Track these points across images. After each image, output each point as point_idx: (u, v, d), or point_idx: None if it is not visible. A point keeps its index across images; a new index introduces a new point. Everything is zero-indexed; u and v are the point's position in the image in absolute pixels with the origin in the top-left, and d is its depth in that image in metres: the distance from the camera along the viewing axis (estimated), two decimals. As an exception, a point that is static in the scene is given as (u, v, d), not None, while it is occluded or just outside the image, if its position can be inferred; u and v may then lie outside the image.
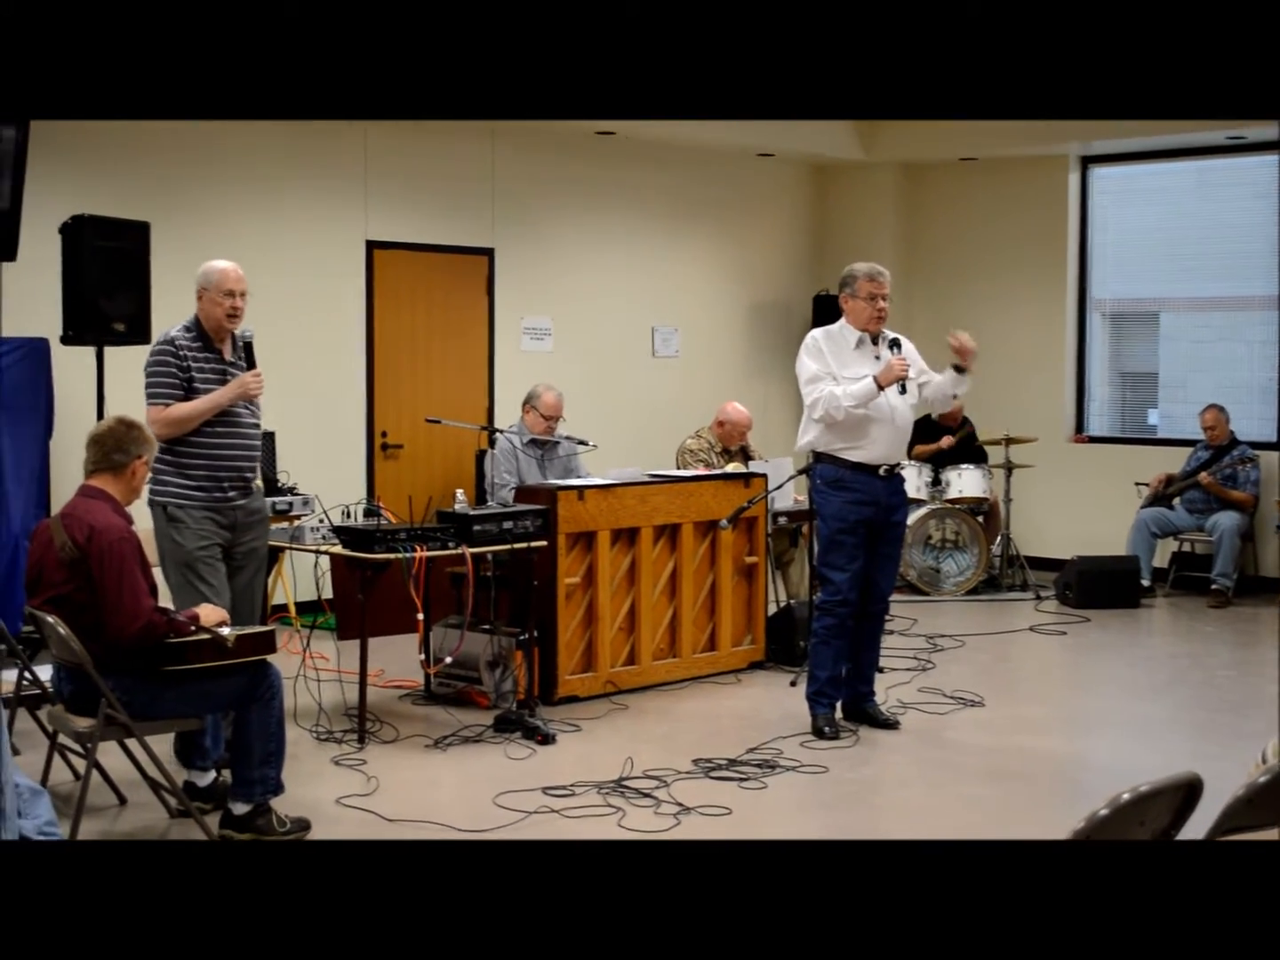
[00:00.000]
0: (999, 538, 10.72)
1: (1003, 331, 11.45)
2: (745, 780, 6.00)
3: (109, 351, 7.65)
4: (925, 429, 10.49)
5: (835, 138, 11.73)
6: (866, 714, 6.86)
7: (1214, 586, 10.17)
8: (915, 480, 10.32)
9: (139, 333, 7.50)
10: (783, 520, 8.69)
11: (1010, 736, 6.81)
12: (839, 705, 6.83)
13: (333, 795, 5.74)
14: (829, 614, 6.64)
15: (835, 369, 6.58)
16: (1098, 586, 10.00)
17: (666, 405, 11.22)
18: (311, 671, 6.85)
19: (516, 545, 6.81)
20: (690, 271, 11.72)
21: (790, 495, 8.60)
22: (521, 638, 7.04)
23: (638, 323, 11.39)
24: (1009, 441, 10.65)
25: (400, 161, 9.93)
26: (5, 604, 7.07)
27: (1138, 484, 10.75)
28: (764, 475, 8.23)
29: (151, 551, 5.49)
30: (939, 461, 10.75)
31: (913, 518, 9.98)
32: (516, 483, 7.89)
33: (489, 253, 10.46)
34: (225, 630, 5.08)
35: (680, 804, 5.64)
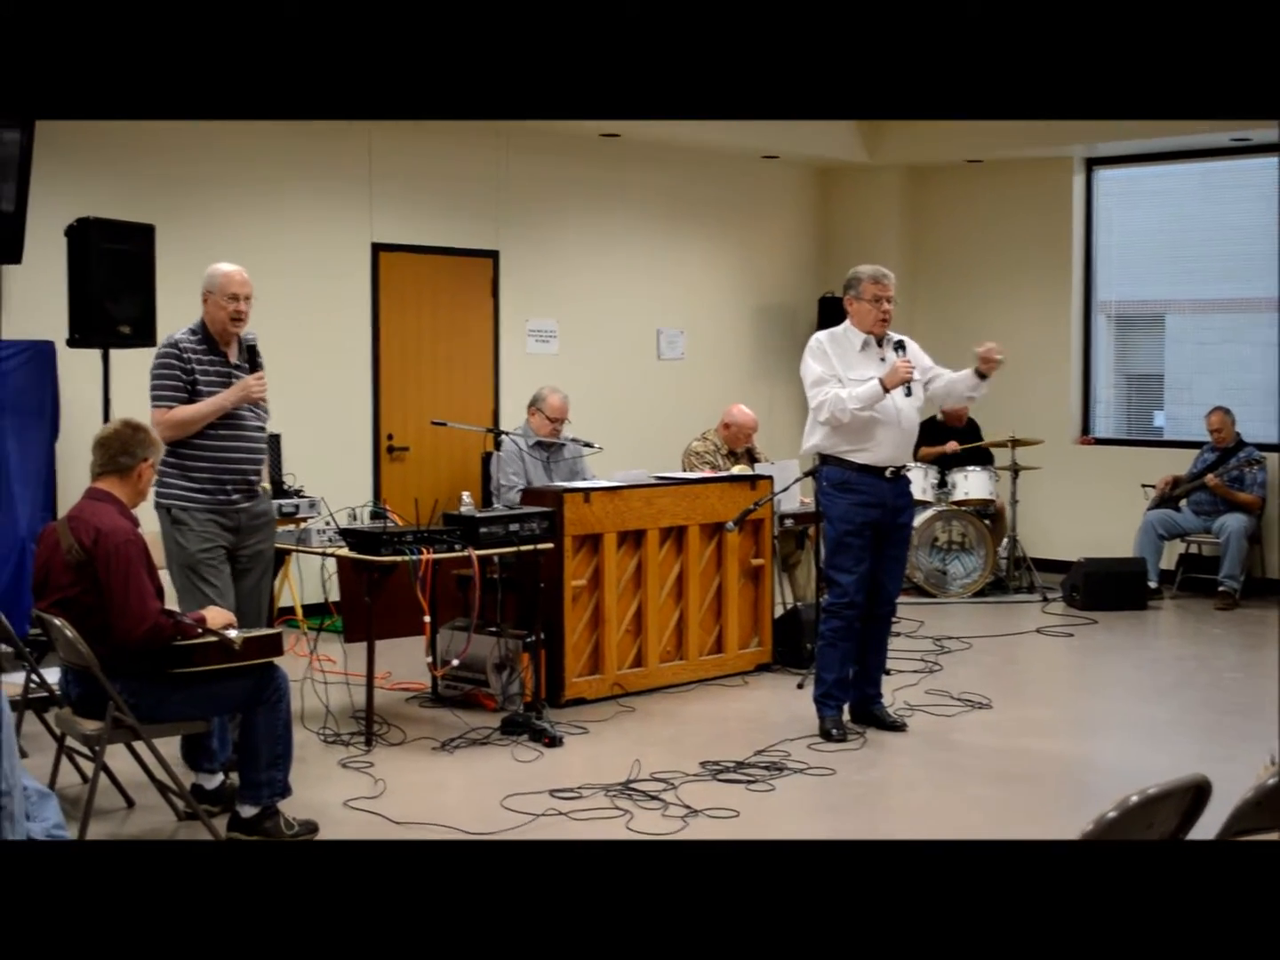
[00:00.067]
0: (1005, 540, 10.70)
1: (1008, 333, 11.39)
2: (753, 783, 5.99)
3: (115, 354, 7.67)
4: (931, 431, 10.49)
5: (840, 140, 11.73)
6: (874, 716, 6.85)
7: (1221, 588, 10.15)
8: (921, 482, 10.31)
9: (144, 335, 7.52)
10: (789, 522, 8.69)
11: (1017, 738, 6.80)
12: (846, 707, 6.82)
13: (340, 798, 5.74)
14: (836, 616, 6.64)
15: (840, 371, 6.58)
16: (1104, 588, 9.98)
17: (672, 407, 11.22)
18: (318, 674, 6.85)
19: (523, 547, 6.81)
20: (695, 274, 11.72)
21: (796, 497, 8.60)
22: (528, 640, 7.04)
23: (643, 325, 11.39)
24: (1015, 443, 10.64)
25: (405, 164, 9.93)
26: (12, 607, 7.08)
27: (1144, 486, 10.74)
28: (770, 477, 8.23)
29: (158, 554, 5.50)
30: (945, 463, 10.74)
31: (919, 520, 9.97)
32: (522, 485, 7.89)
33: (494, 255, 10.46)
34: (232, 633, 5.08)
35: (688, 806, 5.63)
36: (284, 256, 9.30)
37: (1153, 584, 10.27)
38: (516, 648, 7.08)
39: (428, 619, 6.57)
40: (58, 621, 4.93)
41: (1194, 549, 10.72)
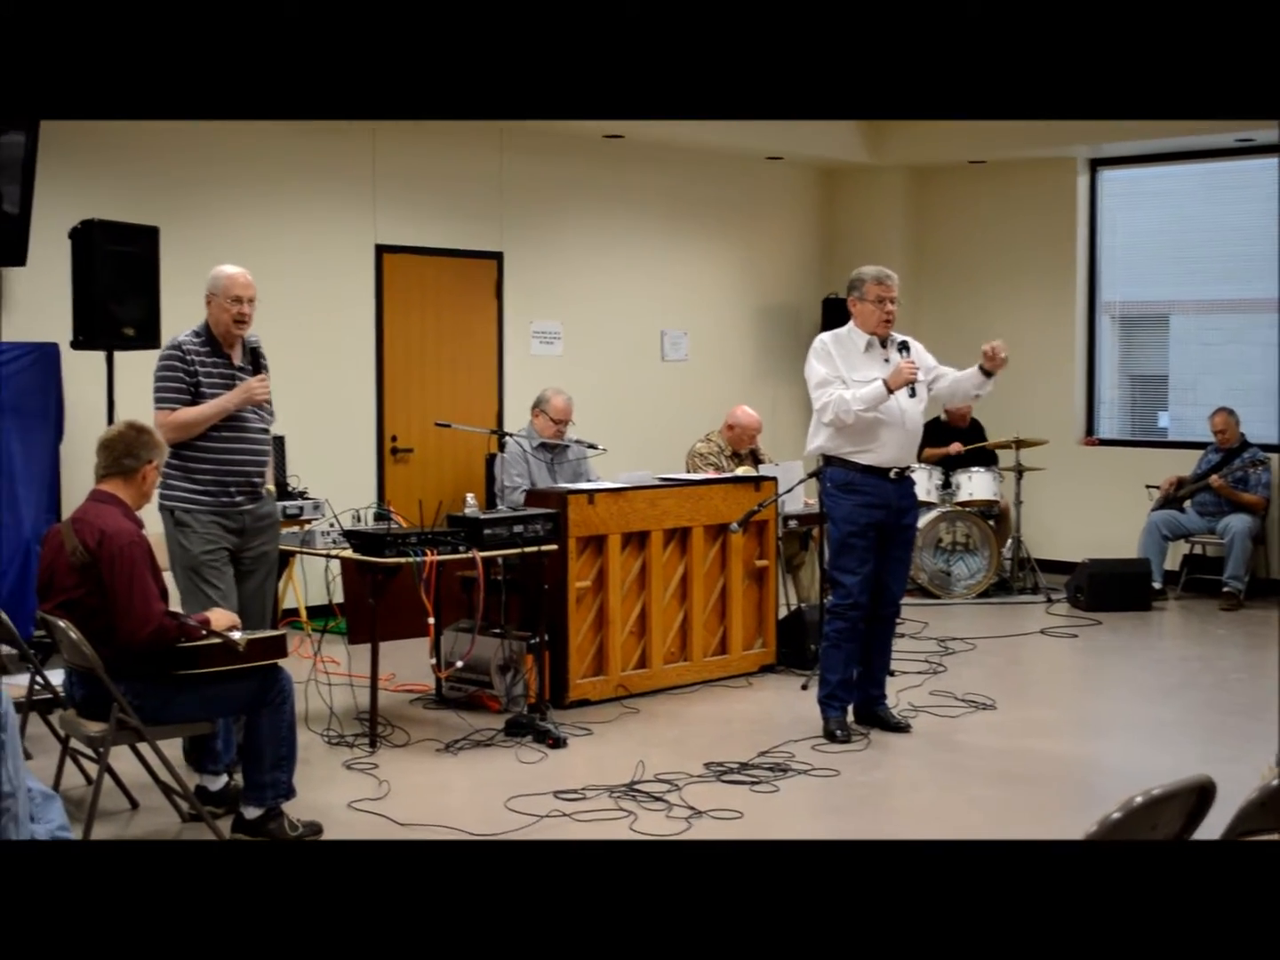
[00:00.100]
0: (1010, 541, 10.70)
1: (1012, 334, 11.31)
2: (757, 784, 5.99)
3: (119, 356, 7.67)
4: (935, 432, 10.48)
5: (843, 141, 11.73)
6: (878, 717, 6.85)
7: (1225, 589, 10.14)
8: (926, 483, 10.30)
9: (149, 337, 7.52)
10: (793, 524, 8.69)
11: (1021, 740, 6.79)
12: (850, 709, 6.82)
13: (344, 799, 5.75)
14: (840, 617, 6.64)
15: (844, 372, 6.57)
16: (1109, 589, 9.98)
17: (676, 409, 11.22)
18: (322, 676, 6.85)
19: (527, 549, 6.81)
20: (699, 275, 11.72)
21: (800, 499, 8.60)
22: (532, 641, 7.04)
23: (647, 326, 11.39)
24: (1019, 444, 10.63)
25: (409, 166, 9.94)
26: (17, 609, 7.09)
27: (1148, 487, 10.74)
28: (774, 479, 8.23)
29: (163, 556, 5.50)
30: (949, 464, 10.74)
31: (923, 521, 9.96)
32: (526, 486, 7.89)
33: (498, 257, 10.47)
34: (236, 635, 5.09)
35: (692, 808, 5.63)
36: (288, 258, 9.30)
37: (1157, 585, 10.26)
38: (520, 649, 7.09)
39: (432, 620, 6.56)
40: (62, 623, 4.93)
41: (1198, 550, 10.71)
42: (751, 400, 10.02)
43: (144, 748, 5.34)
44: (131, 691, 4.98)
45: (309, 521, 8.18)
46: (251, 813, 5.24)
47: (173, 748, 5.52)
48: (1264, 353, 10.87)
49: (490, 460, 8.75)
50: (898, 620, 7.20)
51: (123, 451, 5.12)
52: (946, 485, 10.65)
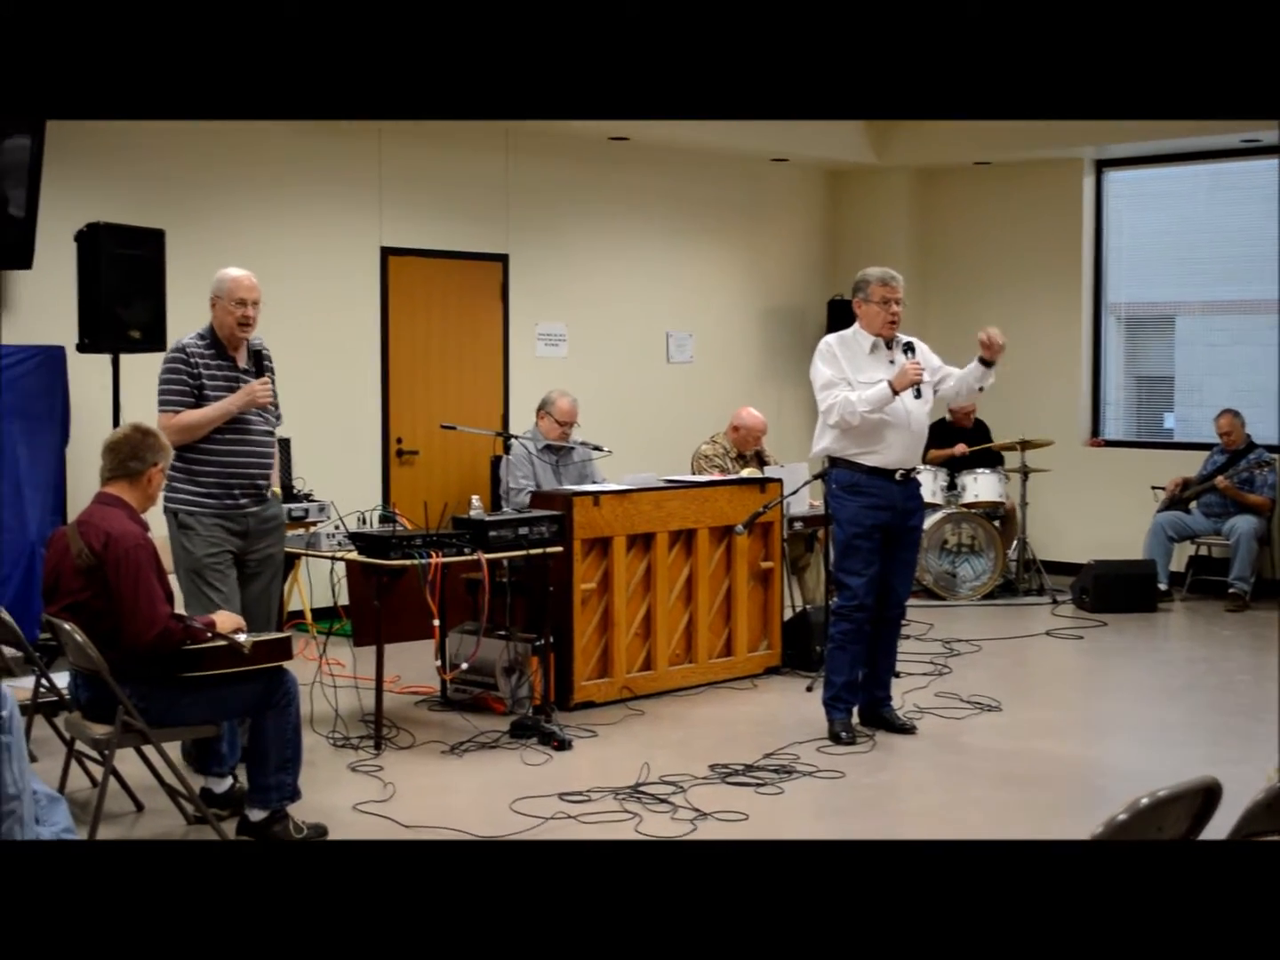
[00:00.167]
0: (1015, 542, 10.69)
1: (1018, 336, 11.34)
2: (762, 786, 5.99)
3: (125, 359, 7.68)
4: (940, 433, 10.48)
5: (848, 142, 11.73)
6: (883, 719, 6.85)
7: (1231, 590, 10.13)
8: (931, 484, 10.30)
9: (155, 340, 7.53)
10: (798, 525, 8.69)
11: (1027, 741, 6.79)
12: (855, 710, 6.81)
13: (349, 802, 5.75)
14: (845, 619, 6.63)
15: (850, 374, 6.57)
16: (1114, 591, 9.97)
17: (681, 410, 11.22)
18: (328, 678, 6.85)
19: (532, 551, 6.81)
20: (704, 277, 11.72)
21: (806, 500, 8.60)
22: (537, 643, 7.04)
23: (652, 328, 11.39)
24: (1025, 445, 10.62)
25: (415, 168, 9.94)
26: (22, 611, 7.09)
27: (1154, 488, 10.72)
28: (779, 480, 8.22)
29: (168, 558, 5.51)
30: (954, 466, 10.73)
31: (929, 522, 9.95)
32: (532, 488, 7.89)
33: (503, 259, 10.47)
34: (241, 637, 5.09)
35: (697, 809, 5.63)
36: (293, 261, 9.31)
37: (1163, 586, 10.25)
38: (525, 651, 7.08)
39: (437, 623, 6.56)
40: (67, 626, 4.93)
41: (1204, 551, 10.70)
42: (756, 402, 10.02)
43: (149, 750, 5.34)
44: (137, 694, 4.98)
45: (314, 524, 8.18)
46: (256, 815, 5.24)
47: (172, 747, 5.52)
48: (1270, 354, 10.86)
49: (495, 462, 8.75)
50: (903, 622, 7.20)
51: (128, 454, 5.13)
52: (952, 487, 10.64)
